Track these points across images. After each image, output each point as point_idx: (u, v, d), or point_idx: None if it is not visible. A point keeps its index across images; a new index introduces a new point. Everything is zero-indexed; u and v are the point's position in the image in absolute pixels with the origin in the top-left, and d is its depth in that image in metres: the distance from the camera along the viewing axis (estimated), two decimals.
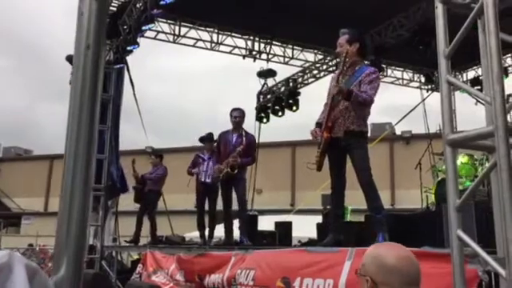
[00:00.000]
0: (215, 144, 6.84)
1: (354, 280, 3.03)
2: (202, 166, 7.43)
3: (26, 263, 0.85)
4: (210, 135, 7.63)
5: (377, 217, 4.11)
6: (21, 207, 26.76)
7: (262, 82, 11.62)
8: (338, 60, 9.33)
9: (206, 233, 7.40)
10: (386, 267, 1.52)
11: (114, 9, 8.16)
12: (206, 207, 7.59)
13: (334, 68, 10.56)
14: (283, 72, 11.43)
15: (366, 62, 4.71)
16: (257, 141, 7.29)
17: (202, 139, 7.71)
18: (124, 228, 9.24)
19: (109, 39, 8.09)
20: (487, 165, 2.27)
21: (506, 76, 9.80)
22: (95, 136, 1.11)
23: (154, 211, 8.58)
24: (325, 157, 4.31)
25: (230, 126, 6.53)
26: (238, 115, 6.44)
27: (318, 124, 4.47)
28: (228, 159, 6.21)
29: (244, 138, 6.34)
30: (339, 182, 4.36)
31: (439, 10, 2.44)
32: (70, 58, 8.47)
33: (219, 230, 7.25)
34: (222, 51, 10.00)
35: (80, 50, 1.09)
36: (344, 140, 4.19)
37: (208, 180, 7.30)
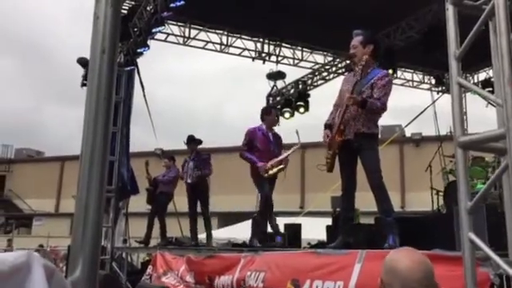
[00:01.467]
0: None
1: (364, 282, 3.03)
2: (184, 168, 7.71)
3: (44, 263, 0.87)
4: (191, 137, 7.85)
5: (387, 219, 4.09)
6: (32, 208, 27.02)
7: (272, 83, 11.62)
8: (347, 62, 9.31)
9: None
10: (391, 269, 1.60)
11: (125, 11, 8.22)
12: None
13: (344, 70, 10.54)
14: (293, 74, 11.45)
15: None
16: None
17: (186, 142, 7.92)
18: (134, 229, 9.29)
19: (120, 42, 8.16)
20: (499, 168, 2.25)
21: None
22: (110, 135, 1.13)
23: (164, 213, 8.65)
24: (335, 159, 4.31)
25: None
26: (278, 114, 6.49)
27: (327, 125, 4.48)
28: (279, 158, 6.09)
29: (278, 137, 6.37)
30: (350, 183, 4.35)
31: (450, 11, 2.43)
32: (81, 61, 8.54)
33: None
34: (231, 53, 10.03)
35: (96, 53, 1.11)
36: (355, 141, 4.19)
37: (189, 180, 7.52)
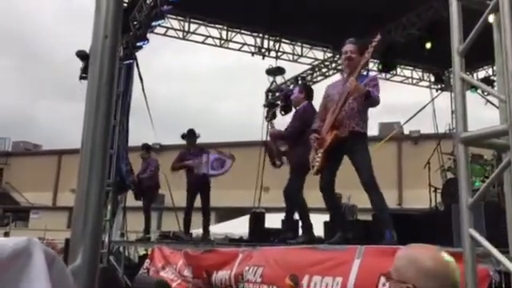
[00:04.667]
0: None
1: (364, 278, 3.03)
2: (202, 158, 7.48)
3: (44, 249, 0.85)
4: (192, 131, 7.79)
5: (382, 216, 4.19)
6: (29, 201, 26.98)
7: (271, 79, 11.60)
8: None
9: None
10: (427, 271, 1.43)
11: (125, 5, 8.18)
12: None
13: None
14: (292, 70, 11.42)
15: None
16: (264, 138, 6.93)
17: (184, 136, 7.88)
18: (132, 223, 9.30)
19: None
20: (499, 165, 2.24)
21: None
22: (111, 126, 1.11)
23: (150, 206, 8.79)
24: (325, 161, 4.35)
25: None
26: (291, 92, 6.19)
27: (314, 130, 4.55)
28: None
29: (293, 115, 5.77)
30: (331, 181, 4.46)
31: (454, 6, 2.41)
32: (80, 54, 8.49)
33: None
34: (231, 48, 9.99)
35: (98, 39, 1.09)
36: (349, 139, 4.27)
37: (204, 171, 7.35)
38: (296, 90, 5.90)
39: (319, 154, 4.38)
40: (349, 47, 4.47)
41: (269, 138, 5.88)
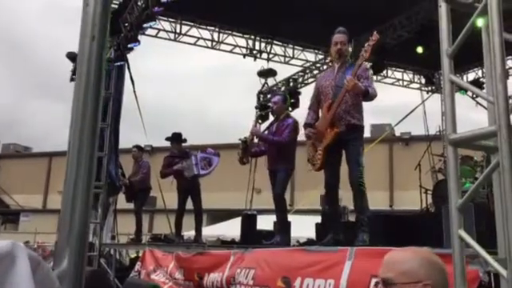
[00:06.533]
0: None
1: (355, 280, 3.03)
2: (192, 160, 7.39)
3: (29, 253, 0.83)
4: (179, 135, 7.76)
5: (361, 217, 4.19)
6: (19, 204, 26.72)
7: (263, 81, 11.61)
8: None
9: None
10: (434, 266, 1.46)
11: (116, 6, 8.14)
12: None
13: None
14: (283, 72, 11.44)
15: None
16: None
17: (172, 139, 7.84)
18: (123, 226, 9.25)
19: (110, 36, 8.04)
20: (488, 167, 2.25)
21: (507, 78, 9.80)
22: (98, 126, 1.10)
23: (141, 208, 8.72)
24: (326, 155, 4.33)
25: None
26: (272, 100, 5.94)
27: (308, 125, 4.54)
28: None
29: (281, 125, 5.54)
30: (335, 180, 4.43)
31: (443, 9, 2.43)
32: (70, 56, 8.44)
33: None
34: (222, 50, 9.99)
35: (85, 41, 1.08)
36: (346, 134, 4.26)
37: (195, 172, 7.27)
38: (279, 99, 5.77)
39: (319, 151, 4.36)
40: (339, 37, 4.46)
41: (249, 135, 5.82)
